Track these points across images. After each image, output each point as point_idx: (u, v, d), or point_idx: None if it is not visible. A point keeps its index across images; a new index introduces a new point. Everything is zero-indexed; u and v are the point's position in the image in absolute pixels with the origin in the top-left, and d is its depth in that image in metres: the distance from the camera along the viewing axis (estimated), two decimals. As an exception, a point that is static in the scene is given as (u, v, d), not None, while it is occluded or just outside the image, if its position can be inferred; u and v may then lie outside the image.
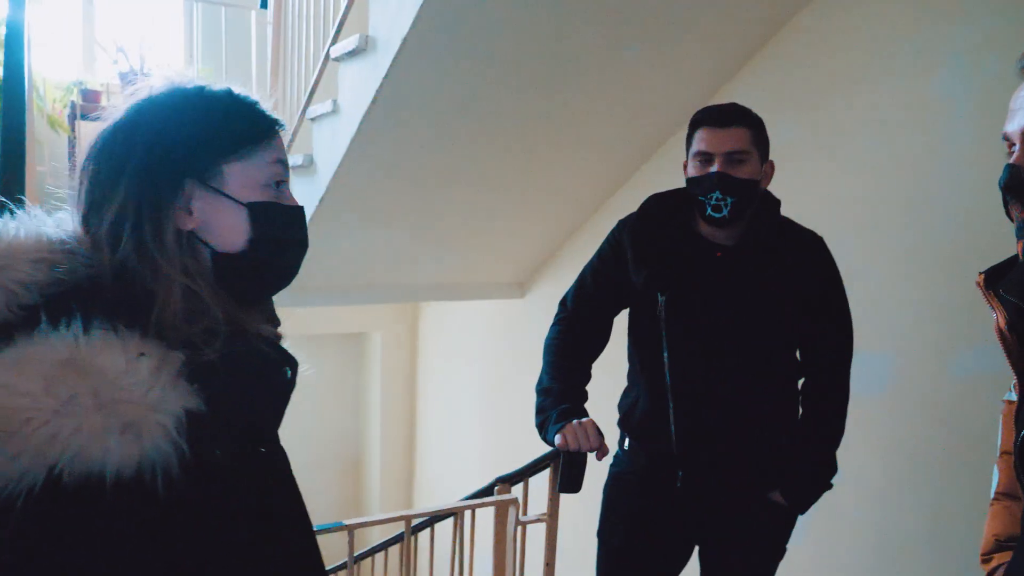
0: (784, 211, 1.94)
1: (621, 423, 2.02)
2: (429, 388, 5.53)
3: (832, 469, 1.90)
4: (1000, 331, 1.01)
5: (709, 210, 1.79)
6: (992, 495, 1.15)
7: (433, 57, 2.64)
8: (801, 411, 1.94)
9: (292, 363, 0.94)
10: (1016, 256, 0.99)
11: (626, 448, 2.00)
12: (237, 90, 0.95)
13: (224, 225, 0.90)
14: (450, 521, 2.19)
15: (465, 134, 3.07)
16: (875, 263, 2.55)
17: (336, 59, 3.00)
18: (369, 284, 4.05)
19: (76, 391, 0.73)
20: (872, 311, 2.48)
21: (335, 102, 3.03)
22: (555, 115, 3.07)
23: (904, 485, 2.48)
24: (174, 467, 0.75)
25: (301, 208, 0.97)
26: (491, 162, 3.29)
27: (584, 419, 1.83)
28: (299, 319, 5.01)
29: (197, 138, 0.89)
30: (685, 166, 1.88)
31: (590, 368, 2.02)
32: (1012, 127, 0.89)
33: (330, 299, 3.99)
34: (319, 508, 4.94)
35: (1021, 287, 0.96)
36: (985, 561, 1.13)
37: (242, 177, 0.90)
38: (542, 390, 1.96)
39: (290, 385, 0.94)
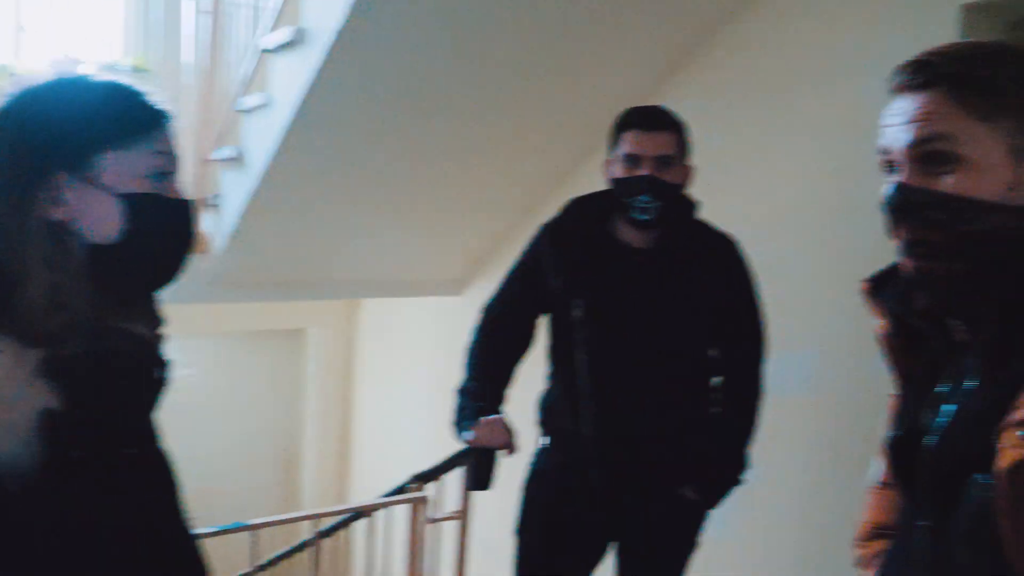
0: (715, 214, 1.98)
1: (540, 422, 2.04)
2: (366, 384, 5.49)
3: (743, 466, 1.94)
4: (882, 337, 1.05)
5: (635, 213, 1.82)
6: (871, 483, 1.19)
7: (367, 50, 2.62)
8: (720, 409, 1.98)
9: (161, 364, 0.92)
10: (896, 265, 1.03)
11: (544, 446, 2.02)
12: (122, 80, 0.93)
13: (96, 216, 0.88)
14: (368, 520, 2.17)
15: (400, 129, 3.05)
16: (801, 265, 2.62)
17: (269, 51, 2.97)
18: (305, 280, 4.01)
19: None
20: (797, 312, 2.54)
21: (268, 95, 3.00)
22: (491, 112, 3.08)
23: (825, 480, 2.55)
24: (27, 466, 0.74)
25: (186, 202, 0.95)
26: (427, 158, 3.28)
27: (493, 416, 1.85)
28: (233, 315, 4.93)
29: (69, 127, 0.87)
30: (607, 164, 1.91)
31: (511, 371, 2.04)
32: (899, 144, 0.90)
33: (265, 295, 3.94)
34: (255, 505, 4.88)
35: (899, 300, 0.99)
36: (861, 547, 1.17)
37: (119, 168, 0.88)
38: (460, 391, 1.99)
39: (158, 385, 0.91)
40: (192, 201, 0.96)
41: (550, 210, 3.44)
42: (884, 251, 2.59)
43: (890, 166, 0.93)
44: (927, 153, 0.88)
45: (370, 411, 5.43)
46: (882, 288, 1.03)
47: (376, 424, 5.34)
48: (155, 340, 0.94)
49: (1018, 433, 0.80)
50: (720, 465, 1.93)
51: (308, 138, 2.94)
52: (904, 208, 0.89)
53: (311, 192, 3.27)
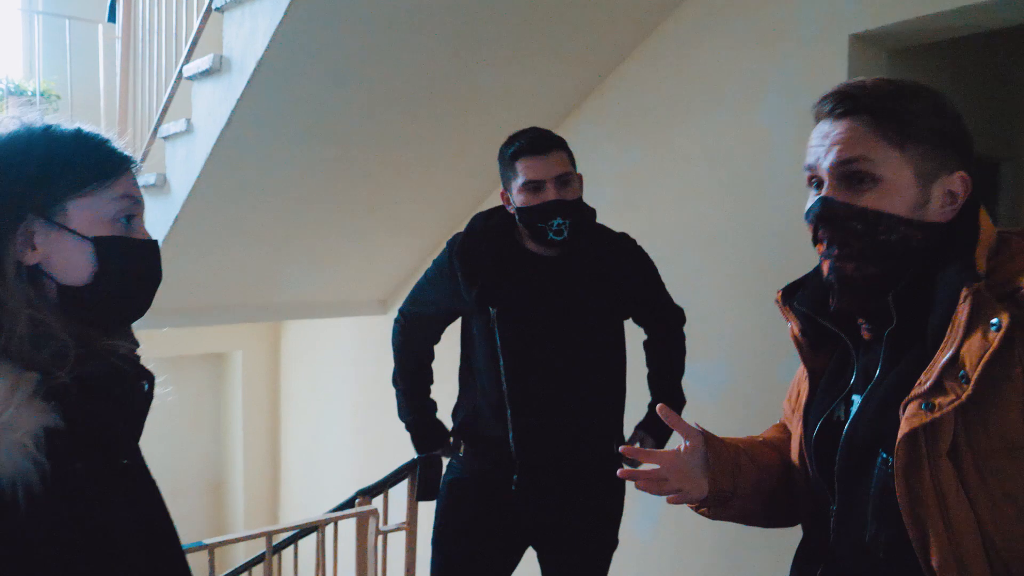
0: (633, 230, 2.11)
1: (457, 431, 2.12)
2: (293, 406, 5.46)
3: (682, 401, 2.14)
4: (795, 338, 1.18)
5: (551, 235, 1.90)
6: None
7: (289, 79, 2.66)
8: (649, 363, 2.18)
9: (149, 377, 0.97)
10: (809, 273, 1.16)
11: (461, 455, 2.10)
12: (87, 128, 0.97)
13: (67, 259, 0.92)
14: (314, 537, 2.21)
15: (323, 154, 3.09)
16: (712, 278, 2.76)
17: (189, 78, 2.97)
18: (228, 304, 3.99)
19: None
20: (708, 323, 2.68)
21: (189, 122, 2.99)
22: (412, 137, 3.15)
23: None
24: (35, 482, 0.78)
25: (153, 242, 1.00)
26: (350, 182, 3.32)
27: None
28: (157, 340, 4.83)
29: (39, 176, 0.91)
30: (504, 197, 1.98)
31: (431, 374, 2.22)
32: (825, 162, 1.02)
33: (188, 319, 3.90)
34: (181, 533, 4.77)
35: (812, 301, 1.12)
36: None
37: (88, 213, 0.93)
38: (405, 410, 2.13)
39: (147, 398, 0.97)
40: (157, 241, 1.00)
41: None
42: (786, 264, 2.77)
43: (814, 182, 1.06)
44: (849, 172, 1.01)
45: (299, 432, 5.40)
46: (792, 296, 1.16)
47: (305, 445, 5.31)
48: (136, 356, 0.98)
49: (920, 405, 0.93)
50: (664, 402, 2.08)
51: (230, 164, 2.95)
52: (827, 219, 1.02)
53: (234, 217, 3.27)
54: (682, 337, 2.19)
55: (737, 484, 1.19)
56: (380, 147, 3.16)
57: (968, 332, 0.91)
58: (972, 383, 0.90)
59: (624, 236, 2.12)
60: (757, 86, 2.59)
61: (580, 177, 2.00)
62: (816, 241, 1.07)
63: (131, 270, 0.97)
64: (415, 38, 2.63)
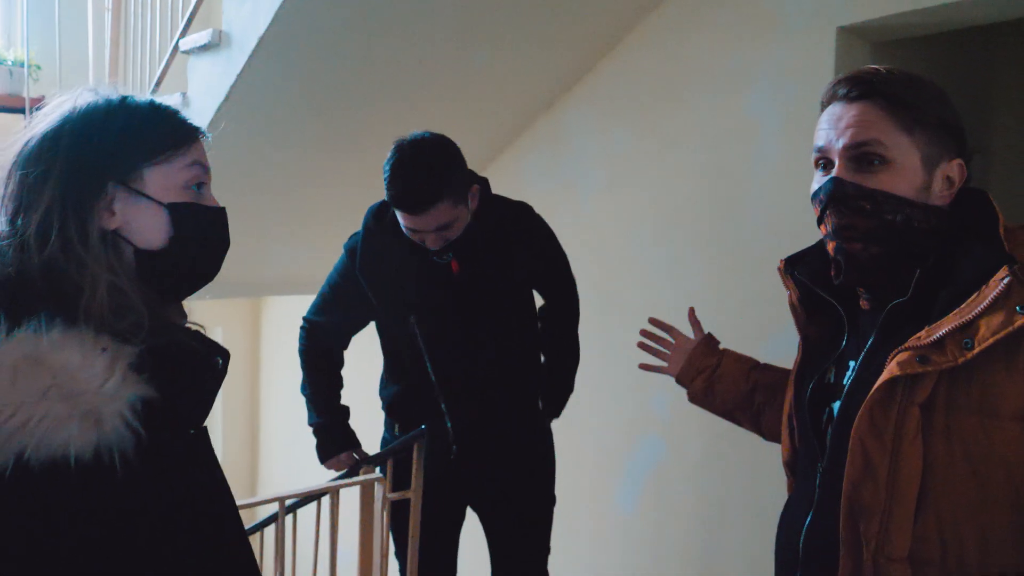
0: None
1: (390, 411, 2.24)
2: (273, 383, 5.49)
3: (570, 388, 2.29)
4: (792, 305, 1.27)
5: (436, 259, 1.98)
6: None
7: (290, 56, 2.69)
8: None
9: (223, 353, 1.03)
10: (811, 247, 1.25)
11: (397, 433, 2.22)
12: (159, 100, 1.03)
13: (145, 224, 0.97)
14: (311, 506, 2.28)
15: (316, 131, 3.12)
16: (699, 260, 2.85)
17: (186, 52, 2.98)
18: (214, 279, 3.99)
19: (40, 384, 0.80)
20: (696, 304, 2.77)
21: (184, 95, 3.01)
22: (405, 116, 3.18)
23: (721, 457, 2.80)
24: (130, 450, 0.84)
25: (222, 209, 1.06)
26: (342, 159, 3.35)
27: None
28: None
29: (118, 144, 0.96)
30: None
31: (340, 376, 2.32)
32: (838, 144, 1.09)
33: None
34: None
35: (812, 273, 1.21)
36: None
37: (162, 179, 0.98)
38: (311, 411, 2.30)
39: (221, 373, 1.02)
40: (225, 208, 1.05)
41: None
42: (771, 245, 2.88)
43: (822, 163, 1.14)
44: (861, 154, 1.08)
45: (278, 409, 5.44)
46: (794, 267, 1.25)
47: (285, 422, 5.35)
48: (204, 333, 1.04)
49: (916, 357, 1.00)
50: (558, 386, 2.27)
51: (225, 140, 2.97)
52: (838, 198, 1.09)
53: (224, 193, 3.27)
54: (574, 320, 2.30)
55: (718, 374, 1.52)
56: (373, 126, 3.20)
57: (993, 307, 0.98)
58: (975, 352, 0.97)
59: (518, 207, 2.14)
60: (745, 75, 2.68)
61: (475, 191, 1.98)
62: (821, 221, 1.15)
63: (203, 235, 1.03)
64: (414, 18, 2.68)
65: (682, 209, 2.90)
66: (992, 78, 3.32)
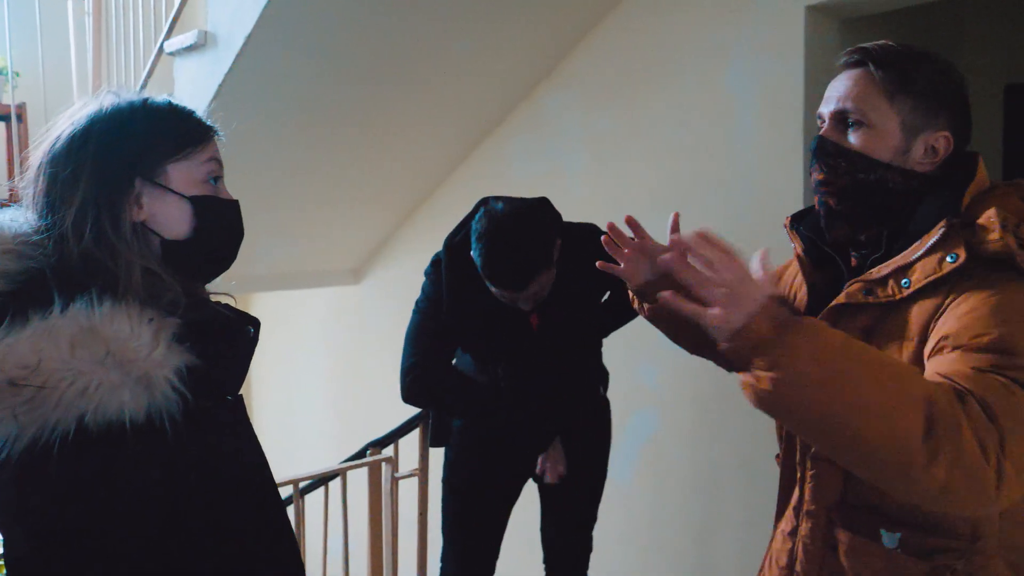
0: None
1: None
2: (264, 378, 5.53)
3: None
4: (798, 256, 1.36)
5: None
6: None
7: (276, 55, 2.75)
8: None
9: (255, 322, 1.11)
10: (812, 206, 1.34)
11: (459, 427, 2.31)
12: (176, 101, 1.10)
13: (171, 216, 1.05)
14: (319, 488, 2.36)
15: (303, 127, 3.17)
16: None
17: (171, 53, 3.03)
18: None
19: (97, 353, 0.88)
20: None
21: (172, 96, 3.04)
22: (389, 109, 3.25)
23: (714, 429, 2.90)
24: (178, 413, 0.92)
25: (236, 202, 1.13)
26: (327, 153, 3.41)
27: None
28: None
29: (144, 143, 1.03)
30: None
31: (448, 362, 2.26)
32: (826, 109, 1.21)
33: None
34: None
35: (814, 227, 1.30)
36: None
37: (184, 175, 1.05)
38: (464, 406, 2.20)
39: (253, 341, 1.10)
40: (238, 201, 1.13)
41: (441, 200, 3.67)
42: (752, 221, 2.96)
43: (822, 125, 1.24)
44: (842, 117, 1.19)
45: (271, 404, 5.48)
46: (799, 222, 1.35)
47: (278, 416, 5.39)
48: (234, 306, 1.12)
49: (863, 290, 1.13)
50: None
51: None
52: (820, 155, 1.21)
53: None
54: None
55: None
56: (358, 119, 3.26)
57: (929, 253, 1.09)
58: (910, 291, 1.09)
59: (587, 233, 2.08)
60: (721, 54, 2.76)
61: (558, 245, 1.95)
62: (811, 176, 1.26)
63: (222, 226, 1.10)
64: (397, 13, 2.74)
65: (665, 186, 2.98)
66: (960, 54, 3.43)
